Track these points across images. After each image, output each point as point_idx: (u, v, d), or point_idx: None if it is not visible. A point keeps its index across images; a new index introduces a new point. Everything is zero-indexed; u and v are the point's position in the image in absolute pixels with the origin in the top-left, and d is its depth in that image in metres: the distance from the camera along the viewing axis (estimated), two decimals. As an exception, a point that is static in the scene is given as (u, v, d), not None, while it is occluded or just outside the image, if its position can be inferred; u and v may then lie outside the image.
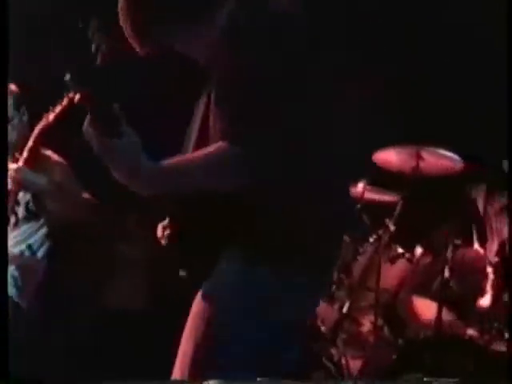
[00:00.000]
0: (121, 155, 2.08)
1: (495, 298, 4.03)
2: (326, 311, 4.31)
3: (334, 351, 4.44)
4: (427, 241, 4.36)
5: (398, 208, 4.46)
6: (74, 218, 4.10)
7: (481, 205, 4.58)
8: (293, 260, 2.24)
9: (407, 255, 4.39)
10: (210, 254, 2.29)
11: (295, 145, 2.18)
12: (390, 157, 4.53)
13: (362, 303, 4.51)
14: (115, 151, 2.07)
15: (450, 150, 4.39)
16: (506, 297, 4.01)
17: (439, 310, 3.96)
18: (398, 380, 3.79)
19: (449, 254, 4.11)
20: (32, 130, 3.93)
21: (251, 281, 2.22)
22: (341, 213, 2.36)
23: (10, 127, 3.85)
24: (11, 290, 3.90)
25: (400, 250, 4.40)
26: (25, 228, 4.07)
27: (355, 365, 4.41)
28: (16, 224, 4.05)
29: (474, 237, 4.40)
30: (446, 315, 4.06)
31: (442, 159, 4.45)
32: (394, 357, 4.05)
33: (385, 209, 4.62)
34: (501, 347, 4.06)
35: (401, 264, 4.44)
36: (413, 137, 4.46)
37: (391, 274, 4.44)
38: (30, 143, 3.90)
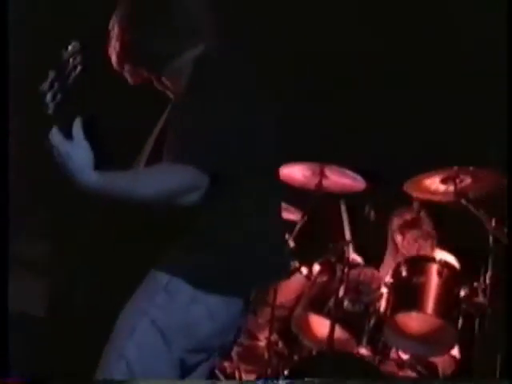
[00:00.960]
0: (71, 163, 2.22)
1: (388, 319, 4.08)
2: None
3: (227, 364, 4.45)
4: (325, 258, 4.37)
5: (299, 224, 4.48)
6: None
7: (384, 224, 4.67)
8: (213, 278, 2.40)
9: (304, 271, 4.41)
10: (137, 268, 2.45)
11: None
12: (293, 173, 4.55)
13: (259, 318, 4.52)
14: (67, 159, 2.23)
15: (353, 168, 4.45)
16: (398, 318, 4.08)
17: (331, 327, 3.99)
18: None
19: (345, 272, 4.16)
20: None
21: (173, 301, 2.38)
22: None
23: None
24: None
25: (297, 266, 4.42)
26: None
27: (248, 378, 4.42)
28: None
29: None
30: (340, 333, 4.09)
31: (344, 177, 4.49)
32: (287, 372, 4.07)
33: (286, 223, 4.63)
34: (391, 367, 4.12)
35: (298, 280, 4.46)
36: (317, 154, 4.49)
37: (289, 289, 4.45)
38: None
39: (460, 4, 4.62)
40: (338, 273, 4.17)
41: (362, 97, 4.82)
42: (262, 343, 4.48)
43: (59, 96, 2.20)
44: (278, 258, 2.60)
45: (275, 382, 4.03)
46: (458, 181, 4.17)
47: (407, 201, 4.64)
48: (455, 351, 4.22)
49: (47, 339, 4.62)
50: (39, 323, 4.79)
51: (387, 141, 4.82)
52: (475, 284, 4.09)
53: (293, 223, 4.49)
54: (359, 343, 4.11)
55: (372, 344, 4.11)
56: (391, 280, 4.16)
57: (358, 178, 4.44)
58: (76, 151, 2.21)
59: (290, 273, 4.13)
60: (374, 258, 4.45)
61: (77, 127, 2.22)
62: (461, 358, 4.25)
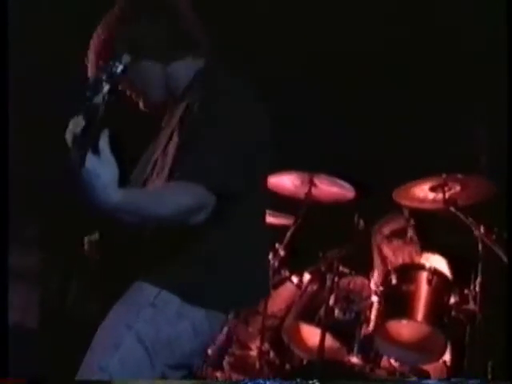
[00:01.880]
0: (97, 178, 2.06)
1: (379, 327, 4.08)
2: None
3: (219, 374, 4.44)
4: (315, 267, 4.38)
5: (290, 233, 4.49)
6: None
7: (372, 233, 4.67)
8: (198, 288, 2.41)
9: (294, 280, 4.41)
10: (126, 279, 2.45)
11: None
12: (282, 182, 4.56)
13: (250, 327, 4.52)
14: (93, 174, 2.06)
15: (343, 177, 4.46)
16: (389, 326, 4.09)
17: (322, 336, 3.99)
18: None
19: (335, 281, 4.17)
20: None
21: (160, 315, 2.39)
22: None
23: None
24: None
25: (287, 275, 4.43)
26: None
27: (240, 388, 4.42)
28: None
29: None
30: (331, 342, 4.10)
31: (333, 186, 4.51)
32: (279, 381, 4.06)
33: (278, 232, 4.63)
34: (382, 375, 4.13)
35: (289, 290, 4.46)
36: (306, 163, 4.50)
37: (279, 299, 4.46)
38: None
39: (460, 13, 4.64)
40: (328, 282, 4.17)
41: (351, 105, 4.83)
42: (254, 353, 4.48)
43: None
44: (262, 275, 2.61)
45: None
46: (446, 188, 4.19)
47: (397, 209, 4.66)
48: (446, 358, 4.22)
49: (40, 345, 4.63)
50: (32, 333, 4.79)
51: (376, 149, 4.83)
52: (465, 291, 4.10)
53: (283, 232, 4.49)
54: (350, 352, 4.11)
55: (363, 352, 4.11)
56: (381, 288, 4.17)
57: (348, 186, 4.46)
58: (103, 166, 2.03)
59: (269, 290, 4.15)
60: (363, 267, 4.45)
61: (104, 141, 2.05)
62: (452, 364, 4.25)
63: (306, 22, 4.73)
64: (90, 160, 2.01)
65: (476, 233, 4.07)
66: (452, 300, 4.10)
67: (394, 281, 4.13)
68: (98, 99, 2.01)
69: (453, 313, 4.07)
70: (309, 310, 4.24)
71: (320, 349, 3.98)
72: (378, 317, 4.12)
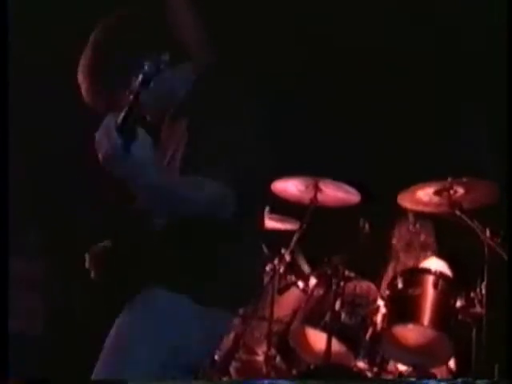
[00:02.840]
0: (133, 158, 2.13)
1: (385, 331, 4.08)
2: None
3: (225, 379, 4.44)
4: (321, 272, 4.38)
5: (295, 238, 4.49)
6: None
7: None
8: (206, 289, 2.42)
9: (300, 285, 4.41)
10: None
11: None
12: (288, 187, 4.56)
13: (256, 332, 4.52)
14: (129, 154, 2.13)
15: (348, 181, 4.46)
16: (395, 330, 4.09)
17: (328, 341, 3.99)
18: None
19: (341, 286, 4.16)
20: None
21: (174, 319, 2.40)
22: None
23: None
24: None
25: (293, 279, 4.43)
26: None
27: (247, 393, 4.42)
28: None
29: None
30: (337, 347, 4.10)
31: (339, 191, 4.50)
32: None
33: (283, 237, 4.64)
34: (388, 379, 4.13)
35: (295, 294, 4.46)
36: (311, 168, 4.50)
37: (285, 303, 4.46)
38: None
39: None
40: (334, 286, 4.17)
41: (355, 109, 4.83)
42: (260, 358, 4.48)
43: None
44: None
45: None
46: (451, 192, 4.19)
47: (402, 213, 4.66)
48: (452, 362, 4.22)
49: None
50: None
51: (381, 153, 4.83)
52: (472, 294, 4.09)
53: (288, 237, 4.50)
54: (356, 356, 4.11)
55: (369, 357, 4.11)
56: (387, 292, 4.17)
57: (353, 191, 4.46)
58: (139, 146, 2.12)
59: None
60: (369, 271, 4.46)
61: (140, 127, 2.15)
62: (458, 368, 4.25)
63: (309, 22, 4.74)
64: (133, 144, 2.10)
65: (481, 236, 4.06)
66: (458, 303, 4.09)
67: (400, 285, 4.13)
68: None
69: (459, 316, 4.07)
70: (315, 314, 4.24)
71: (326, 353, 3.98)
72: (384, 321, 4.12)
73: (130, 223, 2.50)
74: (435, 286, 4.09)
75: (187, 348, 2.43)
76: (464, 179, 4.15)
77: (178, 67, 2.54)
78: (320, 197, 4.54)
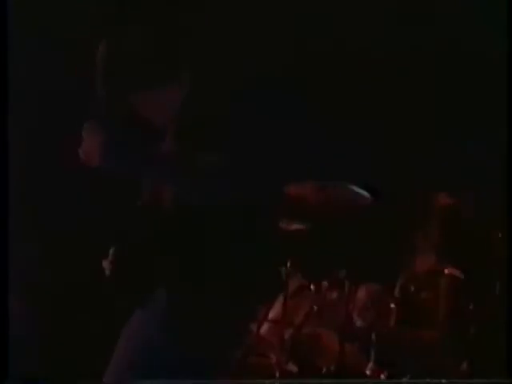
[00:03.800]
0: None
1: (397, 334, 4.08)
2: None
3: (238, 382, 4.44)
4: (333, 275, 4.38)
5: (306, 241, 4.48)
6: None
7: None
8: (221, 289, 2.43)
9: (312, 288, 4.41)
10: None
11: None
12: (298, 189, 4.54)
13: (268, 336, 4.52)
14: None
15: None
16: (408, 332, 4.08)
17: (341, 344, 3.99)
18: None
19: (353, 289, 4.16)
20: None
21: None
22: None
23: None
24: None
25: (305, 283, 4.43)
26: None
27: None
28: None
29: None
30: (349, 349, 4.09)
31: (349, 193, 4.48)
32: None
33: (295, 240, 4.63)
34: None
35: (307, 297, 4.46)
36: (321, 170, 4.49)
37: (298, 307, 4.45)
38: None
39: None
40: (347, 289, 4.16)
41: (363, 111, 4.82)
42: (273, 361, 4.48)
43: None
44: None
45: None
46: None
47: (416, 214, 4.65)
48: (467, 364, 4.20)
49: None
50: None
51: (393, 154, 4.81)
52: (485, 296, 4.09)
53: (300, 239, 4.49)
54: (369, 360, 4.11)
55: (382, 360, 4.11)
56: (399, 295, 4.16)
57: (364, 193, 4.44)
58: None
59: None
60: (382, 274, 4.44)
61: None
62: (473, 369, 4.23)
63: (310, 24, 4.73)
64: None
65: (494, 237, 4.06)
66: (471, 306, 4.08)
67: (412, 287, 4.13)
68: None
69: (472, 318, 4.06)
70: (327, 317, 4.24)
71: (339, 357, 3.98)
72: (396, 324, 4.11)
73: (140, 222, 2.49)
74: (448, 288, 4.09)
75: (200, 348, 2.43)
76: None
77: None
78: (330, 199, 4.52)
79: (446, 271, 4.20)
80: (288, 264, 4.40)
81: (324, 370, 4.19)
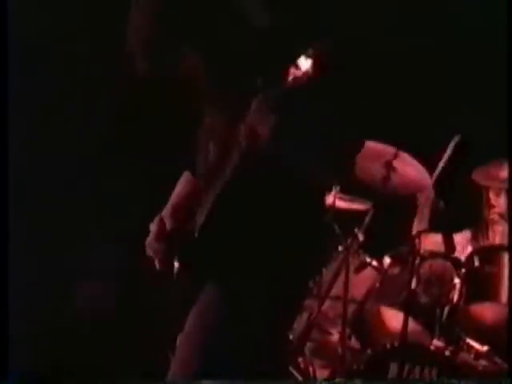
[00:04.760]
0: None
1: (461, 310, 4.04)
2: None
3: (300, 360, 4.44)
4: (395, 251, 4.35)
5: (368, 217, 4.46)
6: None
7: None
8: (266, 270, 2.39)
9: (375, 264, 4.39)
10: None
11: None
12: (362, 165, 4.48)
13: (330, 312, 4.51)
14: None
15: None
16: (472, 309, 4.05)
17: (405, 320, 3.96)
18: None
19: (416, 264, 4.12)
20: None
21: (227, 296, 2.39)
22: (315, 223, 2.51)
23: None
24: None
25: (368, 259, 4.41)
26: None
27: (322, 374, 4.41)
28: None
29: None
30: (413, 326, 4.07)
31: (412, 172, 4.40)
32: (362, 367, 4.05)
33: (355, 217, 4.61)
34: (467, 359, 4.08)
35: (369, 274, 4.44)
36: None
37: (359, 283, 4.44)
38: None
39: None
40: (410, 265, 4.13)
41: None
42: (335, 338, 4.47)
43: None
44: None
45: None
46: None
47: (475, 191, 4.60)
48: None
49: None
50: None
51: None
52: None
53: (361, 216, 4.47)
54: (433, 335, 4.08)
55: (446, 336, 4.07)
56: (464, 270, 4.12)
57: (426, 174, 4.36)
58: None
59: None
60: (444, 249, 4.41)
61: None
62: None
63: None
64: None
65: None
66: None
67: (476, 263, 4.08)
68: None
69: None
70: (390, 293, 4.22)
71: (402, 333, 3.95)
72: (460, 299, 4.07)
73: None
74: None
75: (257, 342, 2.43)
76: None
77: None
78: (393, 176, 4.45)
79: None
80: (349, 241, 4.40)
81: (388, 346, 4.17)
